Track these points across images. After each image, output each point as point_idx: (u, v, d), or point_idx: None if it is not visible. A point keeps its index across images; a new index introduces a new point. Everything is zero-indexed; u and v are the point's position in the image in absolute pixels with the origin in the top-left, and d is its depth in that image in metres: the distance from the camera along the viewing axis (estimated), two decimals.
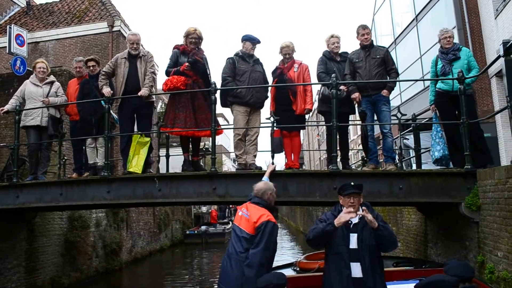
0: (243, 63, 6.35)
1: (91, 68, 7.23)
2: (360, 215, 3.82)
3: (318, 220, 4.14)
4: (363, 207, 3.85)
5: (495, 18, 13.40)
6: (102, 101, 6.67)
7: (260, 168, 6.26)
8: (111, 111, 7.07)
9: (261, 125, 6.62)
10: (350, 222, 3.88)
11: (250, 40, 6.38)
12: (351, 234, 3.86)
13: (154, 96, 7.17)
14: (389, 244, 3.91)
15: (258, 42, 6.43)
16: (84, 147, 7.34)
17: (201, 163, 8.57)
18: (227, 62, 6.45)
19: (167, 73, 6.43)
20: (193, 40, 6.46)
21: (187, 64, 6.29)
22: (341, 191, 4.04)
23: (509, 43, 4.90)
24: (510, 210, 4.38)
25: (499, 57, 5.15)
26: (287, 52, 6.53)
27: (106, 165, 6.49)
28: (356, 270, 3.79)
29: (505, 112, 5.10)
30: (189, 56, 6.39)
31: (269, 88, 6.53)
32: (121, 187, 6.48)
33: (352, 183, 4.00)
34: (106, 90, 6.58)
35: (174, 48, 6.59)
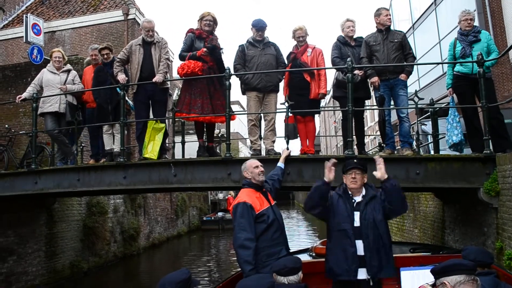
0: (252, 49, 6.29)
1: (105, 56, 7.26)
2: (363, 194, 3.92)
3: None
4: (379, 158, 3.87)
5: None
6: (118, 88, 6.70)
7: (279, 154, 6.23)
8: (127, 98, 7.11)
9: (277, 110, 6.57)
10: (353, 200, 3.91)
11: (255, 26, 6.30)
12: (354, 213, 3.87)
13: (169, 82, 7.16)
14: (398, 200, 3.89)
15: (261, 27, 6.27)
16: (100, 134, 7.41)
17: (217, 150, 8.57)
18: (237, 50, 6.43)
19: (182, 57, 6.35)
20: (208, 22, 6.37)
21: (205, 49, 6.21)
22: (344, 168, 4.07)
23: None
24: None
25: None
26: (300, 35, 6.43)
27: (122, 151, 6.54)
28: (359, 248, 3.80)
29: None
30: (206, 41, 6.33)
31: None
32: (137, 172, 6.53)
33: (355, 160, 4.05)
34: (121, 77, 6.60)
35: (188, 31, 6.50)
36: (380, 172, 3.77)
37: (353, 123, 5.98)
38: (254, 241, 4.02)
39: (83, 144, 10.55)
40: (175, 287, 2.82)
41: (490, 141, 5.37)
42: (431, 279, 2.66)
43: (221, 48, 6.50)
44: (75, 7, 18.80)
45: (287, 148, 5.89)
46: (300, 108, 6.14)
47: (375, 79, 6.14)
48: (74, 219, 11.13)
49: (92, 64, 7.74)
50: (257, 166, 4.40)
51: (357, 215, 3.86)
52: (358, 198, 3.92)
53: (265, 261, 4.06)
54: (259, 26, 6.28)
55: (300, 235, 19.70)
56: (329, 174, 3.96)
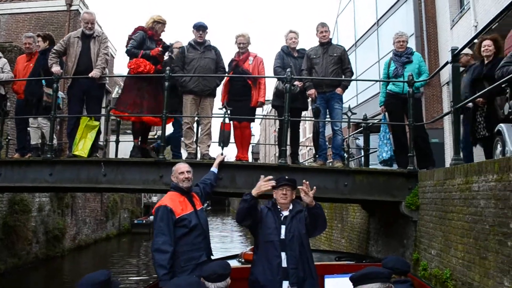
0: (192, 51, 6.24)
1: (38, 43, 6.92)
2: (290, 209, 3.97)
3: None
4: (304, 181, 3.89)
5: (451, 29, 13.90)
6: (43, 81, 6.42)
7: (214, 158, 6.21)
8: (60, 92, 6.83)
9: (214, 115, 6.57)
10: (281, 214, 3.98)
11: (195, 27, 6.29)
12: (282, 226, 3.93)
13: (107, 79, 6.95)
14: (321, 223, 4.04)
15: (200, 27, 6.24)
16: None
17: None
18: (177, 51, 6.40)
19: (132, 54, 6.27)
20: (163, 29, 6.59)
21: (160, 49, 6.32)
22: (275, 184, 4.10)
23: (457, 50, 5.08)
24: (445, 211, 4.55)
25: (447, 63, 5.33)
26: (242, 42, 6.47)
27: (50, 147, 6.24)
28: (283, 260, 3.86)
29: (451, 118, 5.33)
30: (158, 43, 6.46)
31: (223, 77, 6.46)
32: (65, 170, 6.24)
33: (286, 177, 4.13)
34: (56, 69, 6.32)
35: (138, 29, 6.42)
36: (308, 198, 3.84)
37: (289, 132, 6.09)
38: (171, 246, 4.03)
39: (9, 137, 9.98)
40: None
41: (414, 157, 5.66)
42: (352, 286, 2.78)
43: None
44: None
45: (222, 154, 5.90)
46: (238, 115, 6.17)
47: (312, 91, 6.31)
48: None
49: (26, 53, 7.36)
50: (182, 172, 4.39)
51: (283, 228, 3.93)
52: (285, 213, 4.00)
53: (184, 265, 4.06)
54: (198, 25, 6.24)
55: (233, 242, 19.71)
56: (260, 188, 3.96)
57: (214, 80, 6.26)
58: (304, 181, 3.85)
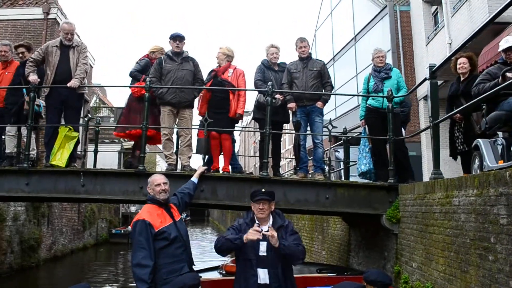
0: (170, 62, 6.22)
1: (20, 54, 6.81)
2: (267, 230, 3.86)
3: (231, 227, 4.18)
4: (270, 226, 3.90)
5: (426, 46, 14.27)
6: (24, 90, 6.30)
7: (194, 170, 6.16)
8: (40, 100, 6.72)
9: (194, 127, 6.54)
10: (260, 230, 3.92)
11: (171, 38, 6.29)
12: (260, 242, 3.90)
13: (86, 89, 6.88)
14: (293, 259, 4.02)
15: (177, 37, 6.22)
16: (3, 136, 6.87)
17: None
18: (154, 63, 6.38)
19: (134, 76, 6.66)
20: (158, 54, 6.73)
21: None
22: (252, 197, 4.10)
23: (435, 67, 5.20)
24: (426, 224, 4.62)
25: (425, 79, 5.45)
26: (219, 56, 6.49)
27: (26, 156, 6.11)
28: (263, 276, 3.86)
29: (428, 132, 5.43)
30: None
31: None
32: (42, 180, 6.11)
33: (263, 190, 4.09)
34: (33, 78, 6.22)
35: (145, 56, 6.83)
36: (273, 240, 3.81)
37: (270, 145, 6.11)
38: (151, 260, 4.02)
39: None
40: None
41: (394, 171, 5.74)
42: None
43: None
44: None
45: (204, 165, 5.87)
46: (217, 126, 6.13)
47: (292, 104, 6.37)
48: None
49: (1, 61, 7.22)
50: (159, 184, 4.37)
51: (263, 244, 3.89)
52: (265, 228, 3.95)
53: (166, 278, 4.04)
54: (174, 36, 6.23)
55: (212, 253, 19.52)
56: (248, 237, 3.83)
57: (191, 91, 6.23)
58: (268, 232, 3.79)
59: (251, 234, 3.80)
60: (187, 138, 6.27)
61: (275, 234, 3.80)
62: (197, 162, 6.38)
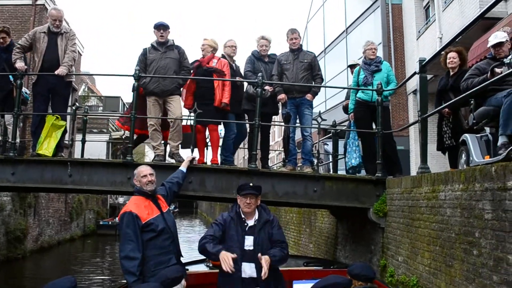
0: (154, 52, 6.15)
1: (1, 40, 6.67)
2: (256, 219, 3.93)
3: (214, 222, 4.15)
4: (265, 257, 3.82)
5: (417, 39, 14.30)
6: (10, 76, 6.20)
7: (183, 159, 6.11)
8: (24, 88, 6.60)
9: (183, 117, 6.49)
10: (246, 224, 3.94)
11: (155, 27, 6.21)
12: (246, 237, 3.92)
13: (74, 77, 6.78)
14: (279, 264, 4.07)
15: (161, 27, 6.13)
16: None
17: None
18: (140, 53, 6.28)
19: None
20: None
21: None
22: (239, 191, 4.08)
23: (425, 61, 5.20)
24: (412, 218, 4.64)
25: (415, 73, 5.45)
26: (205, 48, 6.43)
27: (12, 145, 6.03)
28: (249, 270, 3.86)
29: (417, 126, 5.45)
30: None
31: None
32: (28, 169, 6.03)
33: (251, 184, 4.08)
34: (20, 65, 6.11)
35: None
36: (263, 270, 3.78)
37: (259, 137, 6.08)
38: (139, 252, 4.02)
39: None
40: None
41: (382, 165, 5.75)
42: None
43: None
44: None
45: (192, 155, 5.83)
46: (204, 117, 6.08)
47: (282, 96, 6.34)
48: None
49: None
50: (145, 175, 4.35)
51: (249, 239, 3.91)
52: (250, 222, 3.97)
53: (154, 270, 4.03)
54: (158, 25, 6.14)
55: None
56: (222, 263, 3.74)
57: (176, 80, 6.15)
58: (264, 261, 3.75)
59: (224, 263, 3.70)
60: (176, 123, 6.17)
61: (266, 267, 3.74)
62: (185, 153, 6.29)
